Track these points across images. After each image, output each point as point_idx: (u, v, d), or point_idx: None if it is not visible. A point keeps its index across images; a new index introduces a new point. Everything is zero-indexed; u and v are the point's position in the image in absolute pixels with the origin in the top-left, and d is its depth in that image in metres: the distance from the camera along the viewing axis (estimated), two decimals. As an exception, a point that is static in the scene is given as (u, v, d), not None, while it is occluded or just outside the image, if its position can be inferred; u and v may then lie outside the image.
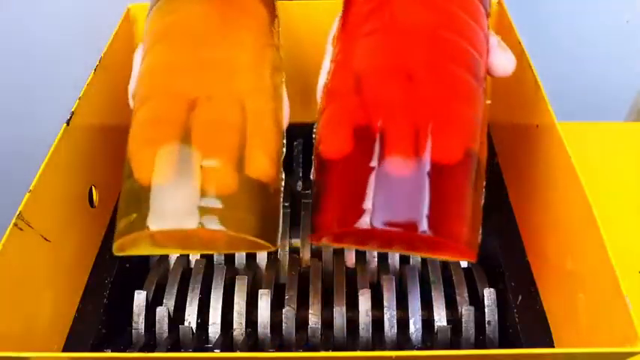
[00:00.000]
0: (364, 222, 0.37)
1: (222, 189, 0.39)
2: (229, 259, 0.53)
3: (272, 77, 0.45)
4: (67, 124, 0.46)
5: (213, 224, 0.38)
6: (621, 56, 0.91)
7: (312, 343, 0.45)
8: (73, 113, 0.46)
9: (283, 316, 0.46)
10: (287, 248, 0.54)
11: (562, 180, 0.43)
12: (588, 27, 0.88)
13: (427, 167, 0.38)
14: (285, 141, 0.43)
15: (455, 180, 0.39)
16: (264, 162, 0.41)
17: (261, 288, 0.48)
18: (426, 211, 0.37)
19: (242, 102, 0.42)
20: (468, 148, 0.39)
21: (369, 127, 0.39)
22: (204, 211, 0.38)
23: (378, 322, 0.46)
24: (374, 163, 0.38)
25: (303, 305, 0.47)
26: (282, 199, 0.42)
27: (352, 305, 0.47)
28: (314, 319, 0.46)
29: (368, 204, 0.37)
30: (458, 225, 0.38)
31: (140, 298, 0.48)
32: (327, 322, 0.47)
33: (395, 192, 0.37)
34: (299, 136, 0.58)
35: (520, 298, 0.46)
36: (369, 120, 0.39)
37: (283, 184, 0.42)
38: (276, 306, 0.47)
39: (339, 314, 0.46)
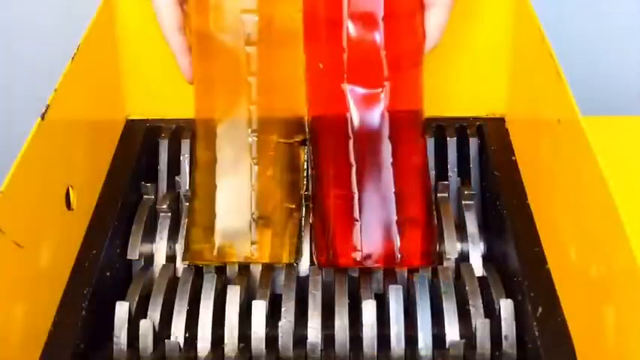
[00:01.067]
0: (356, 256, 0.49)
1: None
2: (220, 266, 0.52)
3: None
4: (42, 118, 0.45)
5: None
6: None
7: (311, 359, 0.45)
8: (48, 107, 0.46)
9: (279, 329, 0.45)
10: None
11: (586, 180, 0.42)
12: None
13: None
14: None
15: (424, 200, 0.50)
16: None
17: (255, 298, 0.47)
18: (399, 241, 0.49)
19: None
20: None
21: (354, 160, 0.50)
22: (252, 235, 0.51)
23: (383, 338, 0.46)
24: (356, 194, 0.49)
25: (301, 318, 0.46)
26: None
27: (355, 318, 0.46)
28: (313, 333, 0.45)
29: (356, 237, 0.49)
30: (424, 244, 0.49)
31: (122, 310, 0.47)
32: (328, 337, 0.46)
33: (374, 220, 0.49)
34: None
35: (540, 309, 0.45)
36: (355, 153, 0.50)
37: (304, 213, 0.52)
38: (272, 319, 0.47)
39: (341, 328, 0.45)
